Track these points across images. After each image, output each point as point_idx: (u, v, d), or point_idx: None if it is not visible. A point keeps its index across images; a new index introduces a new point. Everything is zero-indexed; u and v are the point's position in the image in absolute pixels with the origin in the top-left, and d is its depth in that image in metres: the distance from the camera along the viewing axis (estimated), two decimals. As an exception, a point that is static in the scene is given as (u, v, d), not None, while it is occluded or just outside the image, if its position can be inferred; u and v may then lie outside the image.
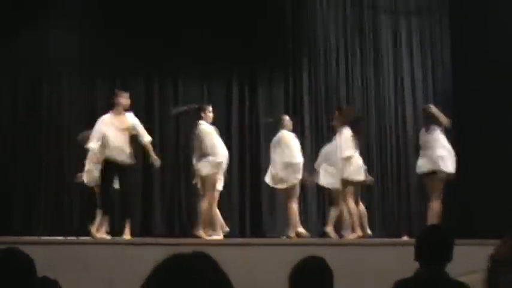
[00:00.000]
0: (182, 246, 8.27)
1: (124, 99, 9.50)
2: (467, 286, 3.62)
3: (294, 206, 10.34)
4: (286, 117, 10.78)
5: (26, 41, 11.85)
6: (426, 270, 3.63)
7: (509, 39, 12.27)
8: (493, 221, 10.91)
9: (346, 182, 10.32)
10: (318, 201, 12.76)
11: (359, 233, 10.27)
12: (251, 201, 12.50)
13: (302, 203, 11.90)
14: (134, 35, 11.97)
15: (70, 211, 11.66)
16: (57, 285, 3.44)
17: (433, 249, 3.68)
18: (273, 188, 10.86)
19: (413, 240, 4.10)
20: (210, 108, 10.09)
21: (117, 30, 11.93)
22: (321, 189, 12.26)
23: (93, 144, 9.31)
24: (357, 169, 10.44)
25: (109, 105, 9.62)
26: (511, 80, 12.06)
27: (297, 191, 10.45)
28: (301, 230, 10.33)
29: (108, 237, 9.46)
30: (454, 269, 3.74)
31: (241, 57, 12.73)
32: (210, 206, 9.74)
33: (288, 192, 10.42)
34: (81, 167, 10.58)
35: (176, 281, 1.50)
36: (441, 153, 9.96)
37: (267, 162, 10.96)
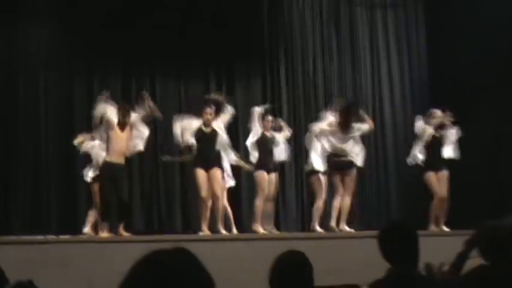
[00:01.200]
0: (161, 242, 8.26)
1: None
2: (438, 282, 3.61)
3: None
4: None
5: (1, 37, 11.77)
6: (397, 270, 3.56)
7: (483, 30, 12.35)
8: (470, 211, 11.02)
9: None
10: (296, 196, 12.81)
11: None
12: (230, 196, 12.48)
13: (280, 198, 11.98)
14: (111, 31, 11.93)
15: (49, 209, 11.59)
16: (32, 286, 3.41)
17: (399, 248, 3.56)
18: (252, 182, 10.90)
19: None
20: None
21: (94, 26, 11.88)
22: (299, 184, 12.37)
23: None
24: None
25: (88, 103, 9.60)
26: (487, 69, 12.16)
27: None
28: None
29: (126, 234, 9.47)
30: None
31: (217, 53, 12.72)
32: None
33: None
34: (58, 165, 10.57)
35: (156, 276, 1.50)
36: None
37: (245, 156, 10.98)
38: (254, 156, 10.45)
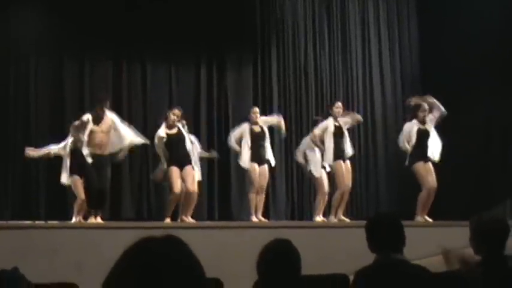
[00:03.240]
0: (150, 229, 8.27)
1: None
2: (426, 270, 3.64)
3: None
4: None
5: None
6: (385, 257, 3.61)
7: (475, 20, 12.36)
8: (460, 204, 11.10)
9: None
10: (286, 186, 12.84)
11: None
12: (219, 184, 12.51)
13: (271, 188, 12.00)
14: (102, 15, 11.88)
15: (37, 195, 11.56)
16: (17, 273, 3.41)
17: (386, 237, 3.65)
18: (242, 171, 10.94)
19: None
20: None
21: (85, 10, 11.81)
22: (289, 175, 12.42)
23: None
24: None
25: (79, 88, 9.62)
26: (479, 62, 12.17)
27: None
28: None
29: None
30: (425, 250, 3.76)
31: (209, 39, 12.69)
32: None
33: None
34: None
35: (146, 264, 1.50)
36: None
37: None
38: (235, 150, 10.66)
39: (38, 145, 11.46)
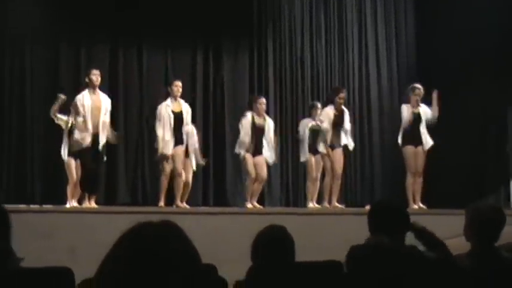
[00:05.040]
0: (145, 214, 8.28)
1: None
2: (418, 250, 3.66)
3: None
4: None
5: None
6: (377, 239, 3.63)
7: (472, 14, 12.35)
8: (455, 192, 11.14)
9: None
10: (281, 173, 12.86)
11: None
12: (214, 170, 12.52)
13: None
14: (98, 3, 11.84)
15: (32, 179, 11.55)
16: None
17: (389, 221, 3.68)
18: (236, 157, 10.94)
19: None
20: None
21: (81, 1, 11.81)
22: (284, 162, 12.42)
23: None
24: None
25: (75, 74, 9.58)
26: (474, 53, 12.18)
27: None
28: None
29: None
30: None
31: (206, 27, 12.66)
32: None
33: None
34: (44, 135, 10.50)
35: (143, 249, 1.51)
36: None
37: (231, 130, 11.00)
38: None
39: (33, 132, 11.48)
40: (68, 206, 9.54)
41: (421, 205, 10.53)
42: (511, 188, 11.80)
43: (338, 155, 10.70)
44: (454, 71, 12.37)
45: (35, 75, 11.80)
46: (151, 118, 11.01)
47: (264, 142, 10.49)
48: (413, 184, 10.57)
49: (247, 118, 10.43)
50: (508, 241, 4.18)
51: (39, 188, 11.51)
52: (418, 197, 10.60)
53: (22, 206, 9.34)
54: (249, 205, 10.37)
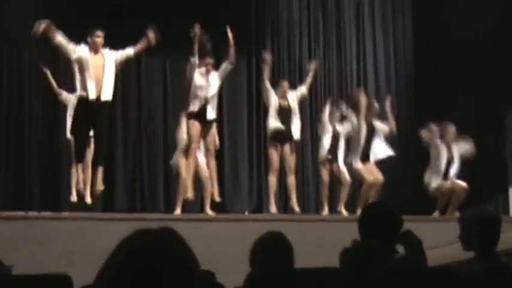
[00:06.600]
0: (143, 221, 8.27)
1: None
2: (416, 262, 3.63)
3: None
4: None
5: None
6: (365, 242, 3.62)
7: (469, 15, 12.39)
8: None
9: None
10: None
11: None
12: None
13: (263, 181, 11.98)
14: (97, 8, 11.84)
15: (30, 185, 11.53)
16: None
17: (380, 227, 3.66)
18: (235, 163, 10.93)
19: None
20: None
21: (78, 2, 11.79)
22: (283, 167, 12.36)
23: None
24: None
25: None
26: (471, 55, 12.22)
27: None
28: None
29: None
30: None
31: (203, 30, 12.62)
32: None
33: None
34: (41, 142, 10.48)
35: (142, 255, 1.51)
36: None
37: (230, 136, 10.98)
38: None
39: (31, 137, 11.45)
40: (71, 199, 9.49)
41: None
42: (509, 195, 11.80)
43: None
44: (450, 78, 12.38)
45: (32, 79, 11.77)
46: (149, 125, 11.00)
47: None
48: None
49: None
50: (507, 247, 4.16)
51: (37, 194, 11.47)
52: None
53: (20, 213, 9.31)
54: (274, 209, 10.39)
